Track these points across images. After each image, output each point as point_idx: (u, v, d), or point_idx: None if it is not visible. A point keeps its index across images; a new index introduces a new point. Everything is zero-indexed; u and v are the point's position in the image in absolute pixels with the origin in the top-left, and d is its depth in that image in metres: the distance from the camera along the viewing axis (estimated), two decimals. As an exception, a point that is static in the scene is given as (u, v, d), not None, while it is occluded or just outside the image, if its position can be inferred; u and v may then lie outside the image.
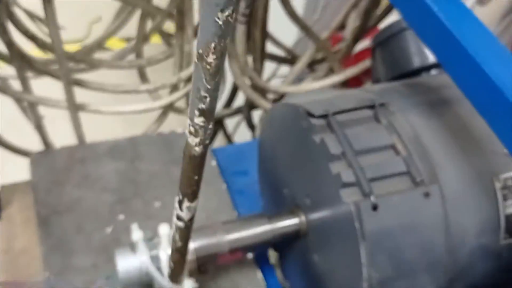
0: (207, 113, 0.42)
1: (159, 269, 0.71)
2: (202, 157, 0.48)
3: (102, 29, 1.18)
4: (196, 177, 0.50)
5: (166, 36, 1.19)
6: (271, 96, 1.16)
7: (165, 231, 0.73)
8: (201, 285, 0.78)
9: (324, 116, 0.69)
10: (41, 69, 0.91)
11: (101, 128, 1.17)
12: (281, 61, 1.22)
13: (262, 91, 1.07)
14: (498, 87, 0.51)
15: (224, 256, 0.76)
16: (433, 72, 0.86)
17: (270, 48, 1.22)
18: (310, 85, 1.09)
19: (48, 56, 1.04)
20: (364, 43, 1.18)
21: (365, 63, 1.08)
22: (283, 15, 1.04)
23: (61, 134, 1.10)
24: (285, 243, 0.85)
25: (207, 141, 0.46)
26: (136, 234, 0.73)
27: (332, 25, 1.09)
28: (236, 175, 1.06)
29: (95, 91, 1.00)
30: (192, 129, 0.44)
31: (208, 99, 0.40)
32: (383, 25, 1.05)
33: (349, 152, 0.65)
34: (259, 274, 0.87)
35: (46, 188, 0.92)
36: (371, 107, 0.71)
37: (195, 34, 0.92)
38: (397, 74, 0.87)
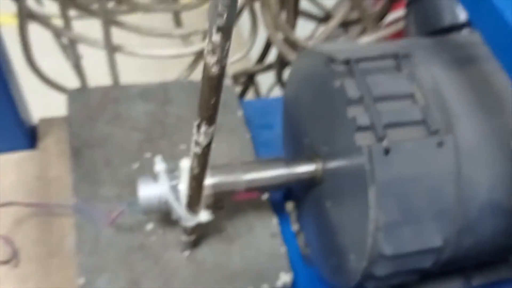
0: (225, 31, 0.44)
1: (177, 199, 0.75)
2: (220, 78, 0.50)
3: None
4: (213, 100, 0.53)
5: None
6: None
7: (186, 165, 0.77)
8: (217, 222, 0.81)
9: (346, 63, 0.70)
10: (82, 7, 0.95)
11: (133, 72, 1.21)
12: (315, 19, 1.22)
13: (293, 45, 1.08)
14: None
15: (240, 194, 0.79)
16: (464, 31, 0.85)
17: (306, 6, 1.22)
18: (342, 44, 1.09)
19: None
20: (400, 12, 1.17)
21: (399, 25, 1.07)
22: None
23: (97, 74, 1.15)
24: (301, 191, 0.88)
25: (224, 62, 0.49)
26: (159, 165, 0.77)
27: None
28: (261, 128, 1.08)
29: (131, 35, 1.04)
30: (210, 47, 0.46)
31: (225, 15, 0.43)
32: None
33: (367, 97, 0.66)
34: (275, 220, 0.89)
35: (80, 123, 0.97)
36: (395, 57, 0.71)
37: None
38: (428, 31, 0.87)
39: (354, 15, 1.17)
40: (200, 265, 0.81)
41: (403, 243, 0.66)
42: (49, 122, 1.03)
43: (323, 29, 1.20)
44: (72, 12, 1.04)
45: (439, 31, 0.85)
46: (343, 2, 1.13)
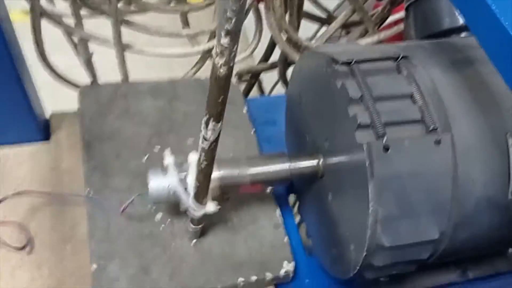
0: (232, 34, 0.48)
1: (186, 191, 0.79)
2: (227, 78, 0.53)
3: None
4: (221, 99, 0.56)
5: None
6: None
7: (194, 158, 0.80)
8: (223, 213, 0.85)
9: (348, 63, 0.73)
10: (93, 6, 0.98)
11: (141, 69, 1.25)
12: (318, 20, 1.26)
13: (296, 45, 1.12)
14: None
15: (245, 187, 0.83)
16: (463, 34, 0.88)
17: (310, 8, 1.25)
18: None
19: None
20: (401, 14, 1.21)
21: (399, 27, 1.11)
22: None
23: (107, 71, 1.19)
24: (303, 185, 0.91)
25: (232, 63, 0.52)
26: (168, 158, 0.81)
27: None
28: (265, 124, 1.11)
29: (140, 34, 1.07)
30: (218, 49, 0.50)
31: (233, 20, 0.46)
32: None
33: (367, 97, 0.69)
34: (278, 211, 0.93)
35: (91, 118, 1.01)
36: (394, 58, 0.75)
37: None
38: (427, 34, 0.90)
39: (356, 17, 1.20)
40: (206, 254, 0.84)
41: (400, 235, 0.68)
42: (60, 116, 1.07)
43: (325, 30, 1.23)
44: (83, 11, 1.07)
45: (438, 34, 0.89)
46: (345, 5, 1.16)
